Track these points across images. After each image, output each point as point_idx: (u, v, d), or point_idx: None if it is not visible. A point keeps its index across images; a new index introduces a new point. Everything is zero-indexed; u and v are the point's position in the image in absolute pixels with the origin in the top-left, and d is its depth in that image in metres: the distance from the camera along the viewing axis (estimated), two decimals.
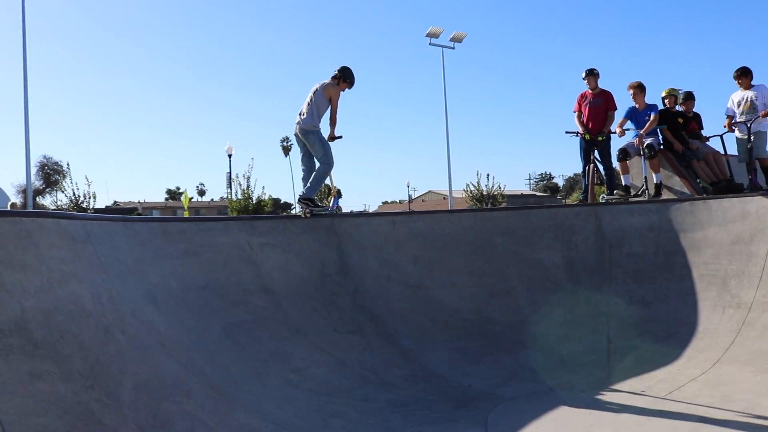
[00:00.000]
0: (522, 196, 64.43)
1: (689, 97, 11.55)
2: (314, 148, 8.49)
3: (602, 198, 10.97)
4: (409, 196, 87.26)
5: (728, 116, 10.29)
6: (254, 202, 28.63)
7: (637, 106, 10.95)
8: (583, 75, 11.09)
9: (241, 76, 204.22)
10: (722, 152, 10.90)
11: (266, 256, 7.30)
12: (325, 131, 8.63)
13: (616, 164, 11.07)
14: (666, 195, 10.58)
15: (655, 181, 10.49)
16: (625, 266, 8.38)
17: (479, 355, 7.18)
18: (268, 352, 6.05)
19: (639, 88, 10.92)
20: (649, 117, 10.72)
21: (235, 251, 7.03)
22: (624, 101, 12.17)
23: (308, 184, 8.52)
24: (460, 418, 5.52)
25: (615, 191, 10.69)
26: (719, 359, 6.67)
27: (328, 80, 8.64)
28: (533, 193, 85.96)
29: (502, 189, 43.17)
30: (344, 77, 8.69)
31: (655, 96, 16.02)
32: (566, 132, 11.26)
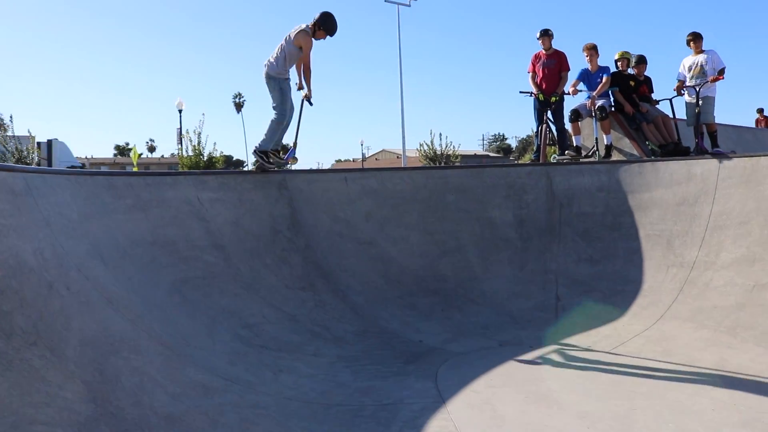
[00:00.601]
0: (475, 156, 64.78)
1: (641, 60, 11.67)
2: (272, 94, 8.11)
3: (554, 158, 11.08)
4: (363, 154, 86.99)
5: (679, 80, 10.42)
6: (205, 159, 28.06)
7: (590, 67, 11.02)
8: (538, 35, 11.09)
9: (191, 32, 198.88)
10: (671, 116, 11.08)
11: (216, 211, 7.19)
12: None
13: (568, 125, 11.16)
14: (616, 156, 10.74)
15: (605, 143, 10.64)
16: (574, 225, 8.52)
17: (430, 312, 7.25)
18: (218, 308, 5.99)
19: (593, 50, 10.98)
20: (602, 79, 10.82)
21: (185, 207, 6.90)
22: (577, 63, 12.21)
23: (262, 136, 8.23)
24: (410, 372, 5.58)
25: (566, 152, 10.81)
26: (662, 316, 6.87)
27: (303, 26, 8.07)
28: (486, 153, 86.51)
29: (455, 149, 43.25)
30: (322, 24, 8.05)
31: (608, 59, 16.14)
32: (521, 92, 11.31)
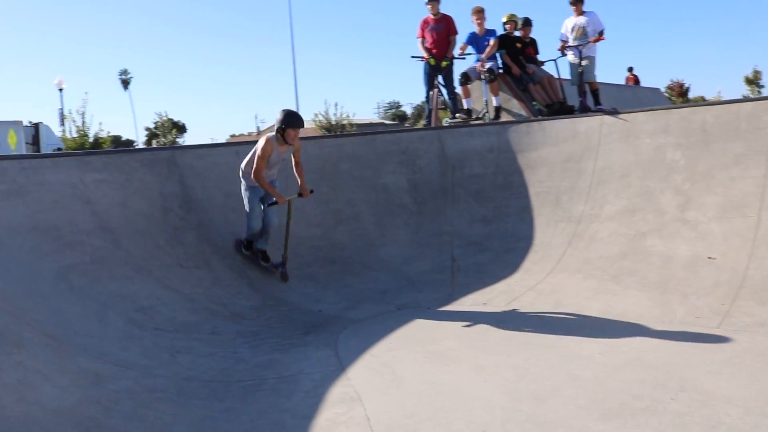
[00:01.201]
0: (371, 124, 64.70)
1: (527, 23, 11.89)
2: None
3: (446, 122, 11.23)
4: (258, 127, 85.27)
5: (562, 41, 10.73)
6: (91, 140, 26.79)
7: (478, 31, 11.13)
8: (426, 0, 11.08)
9: (68, 4, 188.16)
10: (556, 76, 11.42)
11: (102, 193, 6.89)
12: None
13: (458, 89, 11.30)
14: (505, 117, 10.96)
15: (494, 104, 10.84)
16: (467, 187, 8.70)
17: (328, 281, 7.28)
18: (109, 293, 5.77)
19: (481, 14, 11.07)
20: (489, 42, 10.97)
21: (67, 189, 6.57)
22: (466, 26, 12.35)
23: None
24: (310, 342, 5.60)
25: (457, 115, 10.96)
26: (552, 269, 7.15)
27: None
28: (382, 121, 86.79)
29: (350, 118, 43.18)
30: (286, 123, 6.88)
31: (495, 22, 16.38)
32: (412, 57, 11.29)
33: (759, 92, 64.16)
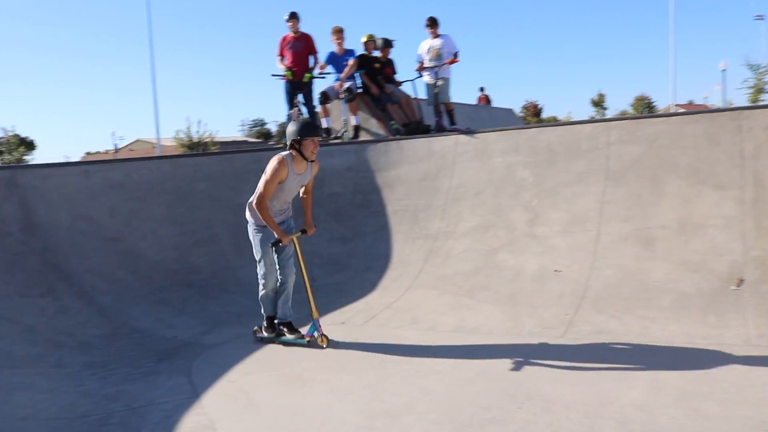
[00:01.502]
0: (234, 142, 63.67)
1: (386, 44, 12.12)
2: None
3: None
4: (115, 145, 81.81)
5: (419, 62, 11.01)
6: None
7: (337, 50, 11.22)
8: (286, 17, 11.04)
9: None
10: (413, 96, 11.69)
11: None
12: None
13: (318, 108, 11.31)
14: (364, 137, 11.09)
15: (353, 123, 10.95)
16: (326, 206, 8.69)
17: (184, 305, 7.03)
18: None
19: (340, 33, 11.18)
20: (348, 62, 11.08)
21: None
22: (325, 45, 12.39)
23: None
24: (163, 370, 5.36)
25: None
26: (410, 286, 7.27)
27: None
28: (246, 139, 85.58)
29: (213, 136, 42.48)
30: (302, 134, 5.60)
31: (354, 42, 16.53)
32: (272, 75, 11.20)
33: (603, 113, 69.23)
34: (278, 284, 5.96)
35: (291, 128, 5.58)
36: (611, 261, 6.66)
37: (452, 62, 10.68)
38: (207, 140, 40.98)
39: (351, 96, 10.89)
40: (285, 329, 5.95)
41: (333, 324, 6.38)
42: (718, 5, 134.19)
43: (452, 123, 10.69)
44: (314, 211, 8.48)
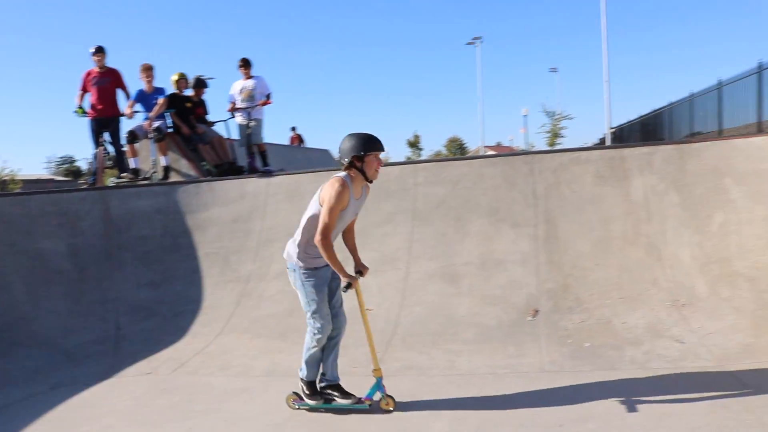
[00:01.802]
0: (39, 181, 59.45)
1: (199, 83, 12.01)
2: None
3: (111, 181, 10.78)
4: None
5: (231, 102, 11.00)
6: None
7: (146, 88, 10.93)
8: (92, 51, 10.56)
9: None
10: (226, 136, 11.65)
11: None
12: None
13: (126, 147, 10.92)
14: (174, 177, 10.87)
15: (163, 164, 10.69)
16: (134, 250, 8.39)
17: None
18: None
19: (150, 71, 10.91)
20: (158, 101, 10.83)
21: None
22: (134, 83, 12.02)
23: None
24: None
25: (123, 174, 10.58)
26: (222, 331, 7.18)
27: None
28: (52, 177, 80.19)
29: (15, 173, 39.49)
30: (366, 148, 4.64)
31: (165, 80, 16.20)
32: (74, 112, 10.66)
33: (419, 154, 72.72)
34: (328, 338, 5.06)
35: (350, 143, 4.60)
36: (419, 298, 7.01)
37: (265, 104, 10.78)
38: (7, 178, 37.89)
39: (161, 136, 10.63)
40: (336, 393, 5.03)
41: (139, 374, 6.16)
42: (520, 58, 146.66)
43: (265, 164, 10.76)
44: (121, 256, 8.26)
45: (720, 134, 18.57)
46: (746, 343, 5.48)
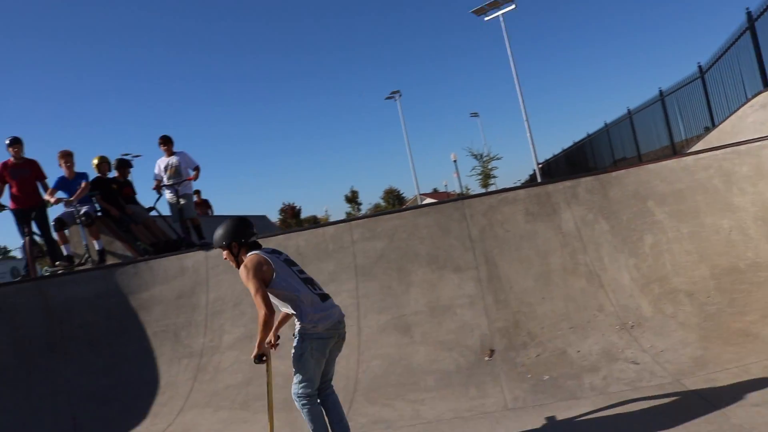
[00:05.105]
0: None
1: (122, 164, 11.95)
2: None
3: (45, 270, 10.51)
4: None
5: (156, 180, 10.98)
6: None
7: (67, 174, 10.75)
8: (7, 143, 10.34)
9: None
10: (158, 215, 11.60)
11: None
12: None
13: (55, 235, 10.69)
14: (111, 260, 10.68)
15: (97, 248, 10.51)
16: (79, 338, 8.19)
17: None
18: None
19: (69, 156, 10.76)
20: (81, 185, 10.65)
21: None
22: (55, 171, 11.73)
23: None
24: None
25: (58, 262, 10.36)
26: (182, 408, 7.08)
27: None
28: None
29: None
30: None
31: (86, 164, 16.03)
32: None
33: (359, 208, 72.99)
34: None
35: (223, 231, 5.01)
36: (375, 352, 7.12)
37: (194, 178, 10.83)
38: None
39: (90, 220, 10.46)
40: None
41: None
42: (440, 106, 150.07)
43: (201, 238, 10.75)
44: (67, 346, 8.06)
45: (640, 159, 19.77)
46: (696, 355, 5.85)
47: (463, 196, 9.78)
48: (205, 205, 22.56)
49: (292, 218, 67.90)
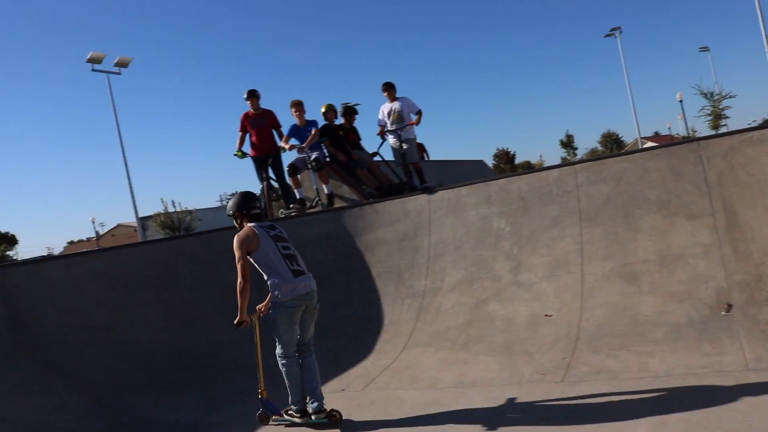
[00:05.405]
0: (216, 208, 63.53)
1: (349, 111, 12.42)
2: None
3: (281, 213, 11.33)
4: (97, 232, 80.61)
5: (380, 126, 11.28)
6: None
7: (298, 123, 11.40)
8: (245, 96, 11.22)
9: None
10: (381, 160, 11.96)
11: None
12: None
13: (289, 179, 11.44)
14: (338, 203, 11.24)
15: (326, 192, 11.10)
16: (312, 275, 8.75)
17: (182, 387, 6.95)
18: None
19: (299, 106, 11.38)
20: (311, 132, 11.26)
21: None
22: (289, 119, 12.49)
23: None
24: None
25: (291, 205, 11.10)
26: (405, 346, 7.34)
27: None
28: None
29: (193, 212, 42.33)
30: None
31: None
32: (234, 155, 11.31)
33: (574, 154, 70.74)
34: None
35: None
36: (599, 300, 6.81)
37: (416, 123, 10.96)
38: (188, 217, 40.68)
39: (319, 165, 11.05)
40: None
41: (333, 392, 6.40)
42: (664, 42, 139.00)
43: (422, 182, 10.92)
44: None
45: None
46: None
47: (698, 138, 8.94)
48: (420, 149, 22.84)
49: (506, 163, 67.00)
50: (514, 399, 5.40)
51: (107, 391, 6.71)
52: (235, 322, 5.59)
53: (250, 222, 5.85)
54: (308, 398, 5.62)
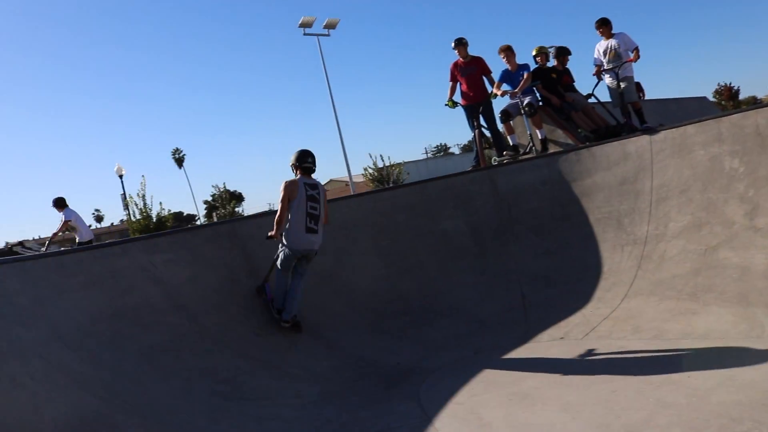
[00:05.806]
0: (417, 162, 65.10)
1: (561, 52, 11.94)
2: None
3: (494, 161, 11.25)
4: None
5: (596, 65, 10.71)
6: (154, 220, 27.81)
7: (509, 67, 11.17)
8: (453, 45, 11.19)
9: (120, 96, 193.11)
10: (597, 101, 11.40)
11: (172, 272, 7.05)
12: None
13: (501, 126, 11.31)
14: (553, 149, 10.93)
15: (540, 137, 10.83)
16: (526, 222, 8.67)
17: (401, 332, 7.26)
18: (191, 368, 5.85)
19: (509, 51, 11.13)
20: (523, 76, 10.99)
21: (139, 273, 6.74)
22: (499, 65, 12.31)
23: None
24: (393, 396, 5.57)
25: (504, 152, 10.98)
26: (626, 295, 7.03)
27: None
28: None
29: (401, 164, 43.58)
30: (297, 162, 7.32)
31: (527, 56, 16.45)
32: (445, 105, 11.35)
33: None
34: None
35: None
36: None
37: (633, 60, 10.27)
38: (395, 169, 42.04)
39: (533, 110, 10.78)
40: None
41: (552, 339, 6.33)
42: None
43: (642, 122, 10.25)
44: (515, 229, 8.61)
45: None
46: None
47: None
48: (638, 88, 21.39)
49: (729, 100, 60.74)
50: (754, 354, 4.95)
51: (333, 334, 7.18)
52: (268, 235, 7.15)
53: (303, 173, 7.25)
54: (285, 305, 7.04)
